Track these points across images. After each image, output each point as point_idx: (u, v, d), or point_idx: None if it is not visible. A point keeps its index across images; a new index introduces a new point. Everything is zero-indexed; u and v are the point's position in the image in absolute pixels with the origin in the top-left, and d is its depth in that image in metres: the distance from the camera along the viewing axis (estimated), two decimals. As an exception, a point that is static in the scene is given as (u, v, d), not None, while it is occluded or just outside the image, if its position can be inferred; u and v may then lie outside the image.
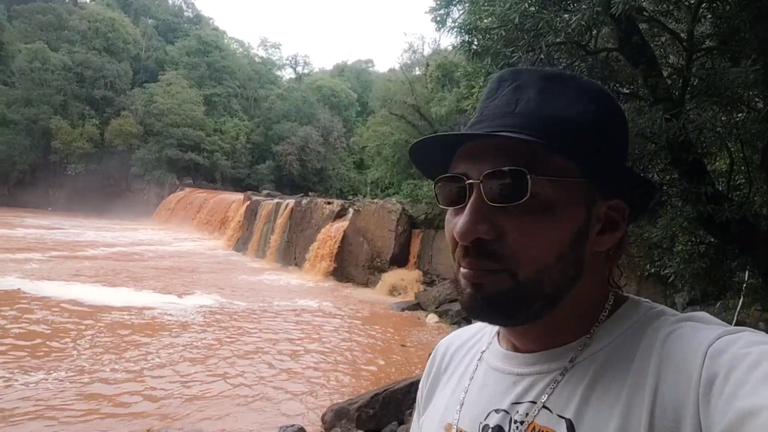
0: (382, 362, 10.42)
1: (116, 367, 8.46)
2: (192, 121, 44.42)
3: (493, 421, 0.72)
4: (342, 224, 20.45)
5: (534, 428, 0.66)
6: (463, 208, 0.67)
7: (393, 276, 18.14)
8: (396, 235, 18.42)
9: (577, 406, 0.64)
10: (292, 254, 22.35)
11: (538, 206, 0.64)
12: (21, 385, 7.41)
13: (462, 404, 0.78)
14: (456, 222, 0.68)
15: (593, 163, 0.67)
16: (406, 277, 17.89)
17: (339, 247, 19.99)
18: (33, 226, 28.91)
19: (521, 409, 0.69)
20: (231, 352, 9.92)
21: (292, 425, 6.90)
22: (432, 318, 14.37)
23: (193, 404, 7.40)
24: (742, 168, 4.04)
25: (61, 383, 7.62)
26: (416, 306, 15.71)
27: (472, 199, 0.66)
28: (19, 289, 13.10)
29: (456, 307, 14.30)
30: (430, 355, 0.94)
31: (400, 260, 18.48)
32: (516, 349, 0.75)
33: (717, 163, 4.54)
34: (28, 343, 9.23)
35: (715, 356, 0.56)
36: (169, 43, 53.88)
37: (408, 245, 18.63)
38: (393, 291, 17.64)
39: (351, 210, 20.81)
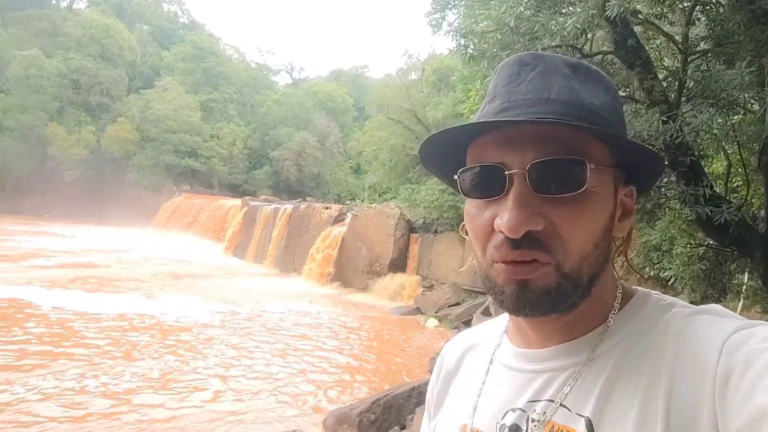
0: (382, 367, 10.40)
1: (116, 373, 8.43)
2: (188, 126, 44.27)
3: (509, 420, 0.71)
4: (340, 229, 20.44)
5: (552, 427, 0.66)
6: (499, 199, 0.65)
7: (392, 280, 18.12)
8: (394, 239, 18.41)
9: (595, 404, 0.63)
10: (291, 259, 22.33)
11: (583, 195, 0.63)
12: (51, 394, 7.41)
13: (476, 405, 0.77)
14: (489, 215, 0.66)
15: (620, 151, 0.68)
16: (405, 282, 17.89)
17: (338, 251, 19.96)
18: (31, 233, 28.81)
19: (538, 407, 0.68)
20: (229, 358, 9.90)
21: (294, 430, 6.89)
22: (432, 322, 14.37)
23: (193, 410, 7.38)
24: (740, 170, 4.05)
25: (48, 394, 7.61)
26: (416, 310, 15.71)
27: (515, 189, 0.63)
28: (23, 298, 13.02)
29: (455, 311, 14.30)
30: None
31: (398, 265, 18.46)
32: (530, 346, 0.74)
33: (714, 166, 4.55)
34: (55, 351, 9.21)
35: (731, 351, 0.56)
36: (164, 49, 53.76)
37: (406, 250, 18.62)
38: (392, 295, 17.62)
39: (349, 215, 20.80)
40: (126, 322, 11.75)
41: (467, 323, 13.07)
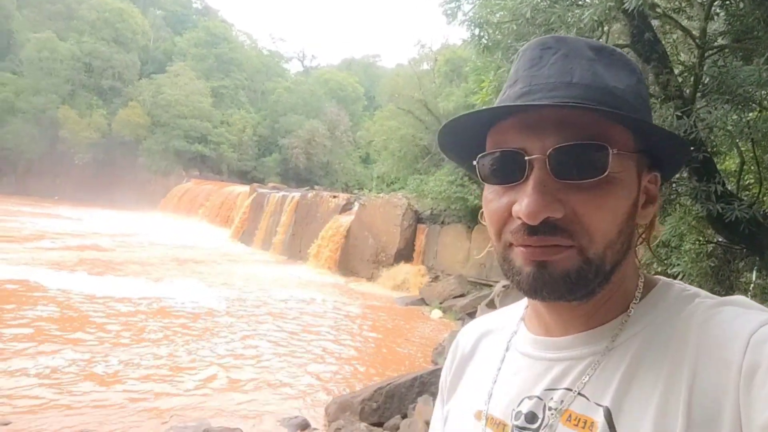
0: (385, 356, 10.44)
1: (121, 358, 8.51)
2: (199, 112, 44.38)
3: (526, 407, 0.71)
4: (347, 218, 20.48)
5: (570, 415, 0.65)
6: (519, 185, 0.64)
7: (397, 271, 18.16)
8: (401, 230, 18.43)
9: (614, 394, 0.62)
10: (297, 247, 22.41)
11: (605, 181, 0.62)
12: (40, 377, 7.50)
13: (492, 391, 0.77)
14: (506, 201, 0.65)
15: (644, 136, 0.66)
16: (411, 272, 17.91)
17: (344, 240, 20.02)
18: (39, 215, 29.04)
19: (556, 395, 0.68)
20: (234, 344, 9.97)
21: (296, 416, 6.94)
22: (436, 313, 14.39)
23: (198, 396, 7.44)
24: (753, 168, 4.02)
25: (60, 374, 7.69)
26: (420, 301, 15.75)
27: (535, 175, 0.62)
28: (31, 280, 13.13)
29: (460, 302, 14.31)
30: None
31: (404, 255, 18.49)
32: (548, 333, 0.74)
33: (727, 163, 4.51)
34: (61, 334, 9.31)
35: (759, 345, 0.55)
36: (177, 34, 53.82)
37: (413, 240, 18.65)
38: (397, 286, 17.66)
39: (356, 204, 20.84)
40: (132, 306, 11.83)
41: (472, 315, 13.08)
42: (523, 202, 0.62)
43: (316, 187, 33.87)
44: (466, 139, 0.71)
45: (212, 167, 45.60)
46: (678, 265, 3.89)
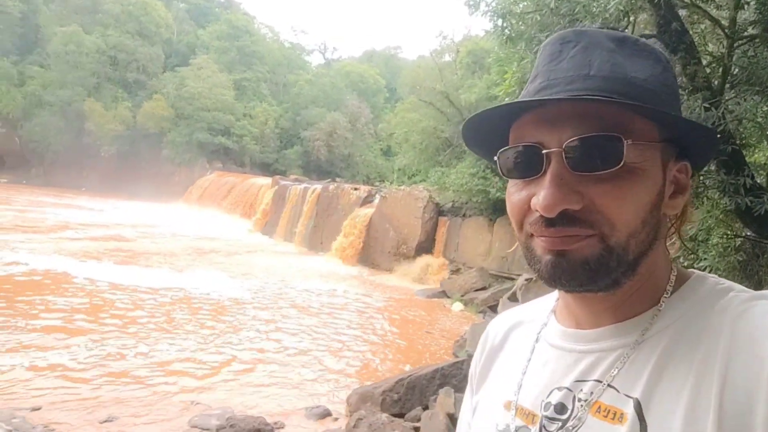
0: (406, 348, 10.46)
1: (147, 348, 8.66)
2: (222, 105, 44.65)
3: (555, 398, 0.71)
4: (368, 210, 20.50)
5: (599, 407, 0.65)
6: (538, 179, 0.65)
7: (418, 263, 18.15)
8: (422, 222, 18.40)
9: (644, 386, 0.62)
10: (319, 239, 22.52)
11: (624, 171, 0.62)
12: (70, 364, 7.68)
13: (521, 382, 0.77)
14: (526, 194, 0.66)
15: (668, 126, 0.66)
16: (432, 265, 17.89)
17: (365, 232, 20.05)
18: (61, 206, 29.58)
19: (585, 387, 0.68)
20: (257, 334, 10.07)
21: (318, 406, 7.02)
22: (457, 306, 14.36)
23: (220, 385, 7.54)
24: (783, 160, 3.93)
25: (89, 362, 7.86)
26: (441, 294, 15.72)
27: (552, 169, 0.63)
28: (59, 270, 13.41)
29: (481, 295, 14.26)
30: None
31: (426, 247, 18.46)
32: (578, 326, 0.74)
33: (756, 155, 4.42)
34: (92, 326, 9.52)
35: None
36: (200, 27, 54.16)
37: (434, 233, 18.61)
38: (418, 278, 17.66)
39: (378, 196, 20.84)
40: (158, 296, 12.03)
41: (493, 308, 13.03)
42: (540, 195, 0.63)
43: (337, 179, 33.94)
44: (490, 133, 0.72)
45: (235, 159, 45.87)
46: (705, 259, 3.83)
